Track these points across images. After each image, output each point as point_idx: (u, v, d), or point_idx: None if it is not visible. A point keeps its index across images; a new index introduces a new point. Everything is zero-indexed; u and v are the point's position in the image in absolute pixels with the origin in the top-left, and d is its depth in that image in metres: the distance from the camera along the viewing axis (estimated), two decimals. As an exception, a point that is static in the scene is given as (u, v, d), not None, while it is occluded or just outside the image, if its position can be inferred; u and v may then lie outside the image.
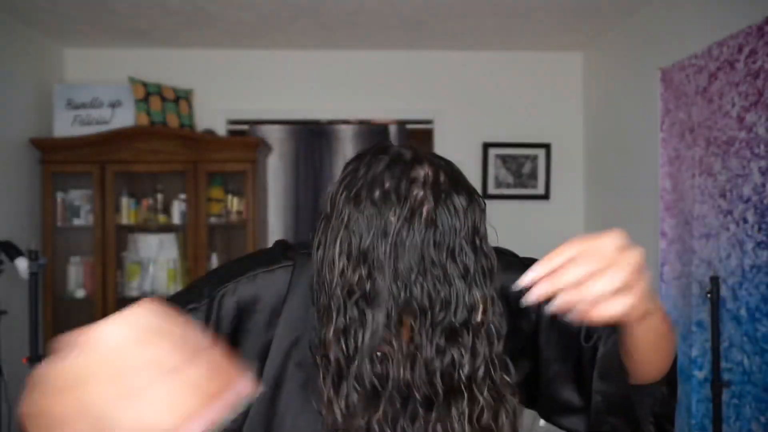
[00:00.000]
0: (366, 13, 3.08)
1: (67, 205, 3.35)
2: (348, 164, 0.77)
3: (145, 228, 3.45)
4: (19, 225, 3.14)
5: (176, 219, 3.40)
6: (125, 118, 3.32)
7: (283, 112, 3.75)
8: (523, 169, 3.79)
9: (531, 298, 0.63)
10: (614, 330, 0.80)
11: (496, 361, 0.74)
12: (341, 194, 0.73)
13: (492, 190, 3.77)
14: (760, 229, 2.13)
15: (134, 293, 3.35)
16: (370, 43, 3.61)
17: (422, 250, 0.69)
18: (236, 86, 3.71)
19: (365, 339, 0.70)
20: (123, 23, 3.20)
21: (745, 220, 2.19)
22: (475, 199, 0.74)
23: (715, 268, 2.23)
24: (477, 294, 0.71)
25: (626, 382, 0.81)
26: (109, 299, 3.25)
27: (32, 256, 2.51)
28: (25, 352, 2.69)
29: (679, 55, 2.64)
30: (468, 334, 0.71)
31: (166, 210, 3.46)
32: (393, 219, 0.69)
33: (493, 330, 0.73)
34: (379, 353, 0.71)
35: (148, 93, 3.34)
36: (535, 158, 3.79)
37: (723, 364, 2.25)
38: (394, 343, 0.71)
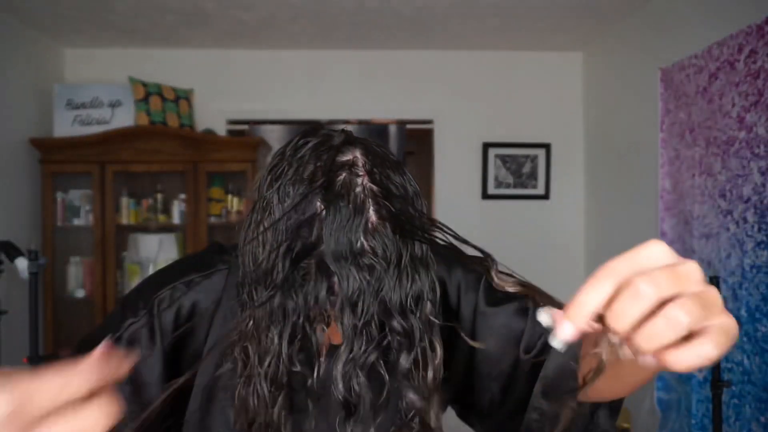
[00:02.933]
0: (366, 13, 3.08)
1: (66, 205, 3.35)
2: (277, 150, 0.72)
3: (145, 228, 3.45)
4: (19, 225, 3.14)
5: (176, 219, 3.40)
6: (125, 118, 3.32)
7: (283, 112, 3.75)
8: (523, 169, 3.79)
9: (563, 338, 0.44)
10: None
11: (428, 360, 0.68)
12: (266, 181, 0.69)
13: (492, 190, 3.77)
14: (760, 229, 2.13)
15: (134, 293, 3.35)
16: (370, 43, 3.61)
17: (350, 239, 0.63)
18: (236, 86, 3.71)
19: (284, 335, 0.64)
20: (123, 23, 3.20)
21: (745, 220, 2.19)
22: (409, 182, 0.69)
23: (715, 268, 2.23)
24: (410, 285, 0.65)
25: (574, 405, 0.67)
26: (109, 299, 3.25)
27: (32, 256, 2.51)
28: (25, 352, 2.68)
29: (679, 55, 2.64)
30: (400, 328, 0.65)
31: (166, 210, 3.46)
32: (318, 205, 0.64)
33: (426, 325, 0.67)
34: (300, 350, 0.66)
35: (148, 93, 3.34)
36: (535, 158, 3.79)
37: (723, 364, 2.26)
38: (318, 340, 0.65)
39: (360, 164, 0.67)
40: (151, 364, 0.74)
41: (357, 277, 0.62)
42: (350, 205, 0.63)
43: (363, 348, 0.63)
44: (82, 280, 3.37)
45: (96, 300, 3.25)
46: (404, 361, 0.65)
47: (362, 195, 0.64)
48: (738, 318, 2.23)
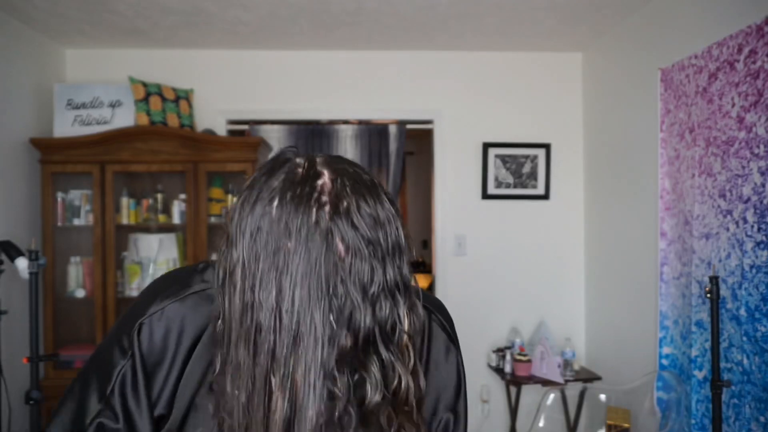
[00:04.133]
0: (366, 13, 3.08)
1: (67, 205, 3.35)
2: (249, 179, 0.71)
3: (145, 228, 3.45)
4: (19, 225, 3.14)
5: (176, 219, 3.40)
6: (125, 118, 3.33)
7: (283, 112, 3.76)
8: (523, 169, 3.79)
9: None
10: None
11: (407, 399, 0.67)
12: (237, 214, 0.68)
13: (492, 190, 3.77)
14: (759, 229, 2.13)
15: (134, 293, 3.35)
16: (370, 43, 3.61)
17: (320, 273, 0.62)
18: (236, 86, 3.71)
19: (255, 379, 0.63)
20: (123, 23, 3.21)
21: (745, 220, 2.19)
22: (382, 205, 0.68)
23: (715, 268, 2.23)
24: (389, 315, 0.64)
25: None
26: (109, 299, 3.25)
27: (32, 256, 2.51)
28: (25, 352, 2.69)
29: (679, 55, 2.64)
30: (375, 363, 0.64)
31: (166, 210, 3.46)
32: (287, 241, 0.63)
33: (403, 358, 0.66)
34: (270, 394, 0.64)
35: (148, 93, 3.35)
36: (535, 158, 3.79)
37: (723, 364, 2.26)
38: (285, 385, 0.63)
39: (327, 191, 0.66)
40: (139, 409, 0.75)
41: (328, 316, 0.62)
42: (321, 236, 0.63)
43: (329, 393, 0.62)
44: (82, 280, 3.37)
45: (96, 300, 3.25)
46: (376, 395, 0.64)
47: (332, 227, 0.63)
48: (738, 318, 2.23)
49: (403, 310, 0.66)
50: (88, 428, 0.74)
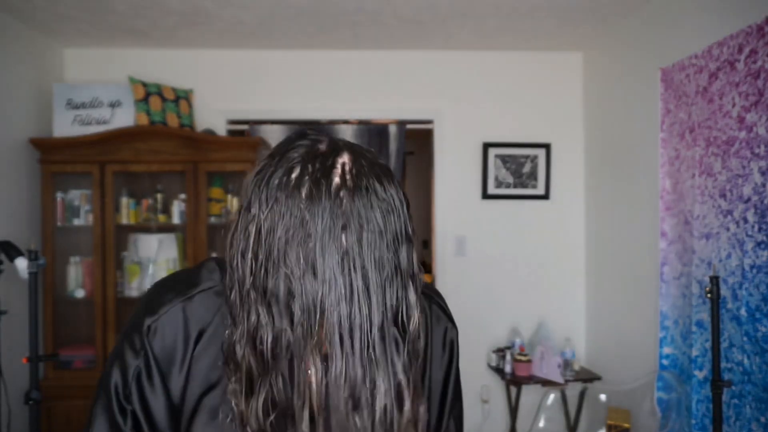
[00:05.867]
0: (366, 13, 3.08)
1: (66, 205, 3.35)
2: (264, 153, 0.71)
3: (145, 228, 3.45)
4: (19, 225, 3.14)
5: (176, 219, 3.40)
6: (125, 118, 3.32)
7: (283, 112, 3.76)
8: (523, 169, 3.79)
9: None
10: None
11: (419, 383, 0.68)
12: (253, 185, 0.68)
13: (492, 190, 3.77)
14: (760, 229, 2.13)
15: (134, 293, 3.35)
16: (370, 43, 3.61)
17: (340, 248, 0.63)
18: (236, 86, 3.71)
19: (276, 345, 0.64)
20: (123, 23, 3.20)
21: (745, 220, 2.19)
22: (397, 190, 0.69)
23: (716, 268, 2.23)
24: (403, 297, 0.66)
25: None
26: (109, 299, 3.25)
27: (32, 256, 2.51)
28: (25, 352, 2.68)
29: (679, 55, 2.64)
30: (391, 345, 0.65)
31: (166, 210, 3.46)
32: (306, 212, 0.64)
33: (417, 343, 0.68)
34: (289, 367, 0.65)
35: (148, 93, 3.34)
36: (535, 158, 3.79)
37: (723, 364, 2.25)
38: (311, 356, 0.64)
39: (347, 169, 0.67)
40: (157, 405, 0.75)
41: (348, 291, 0.63)
42: (341, 212, 0.64)
43: (358, 370, 0.63)
44: (82, 280, 3.37)
45: (96, 300, 3.25)
46: (401, 386, 0.65)
47: (351, 205, 0.64)
48: (738, 318, 2.22)
49: (413, 296, 0.67)
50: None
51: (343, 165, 0.67)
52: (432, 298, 0.88)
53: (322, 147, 0.69)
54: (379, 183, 0.67)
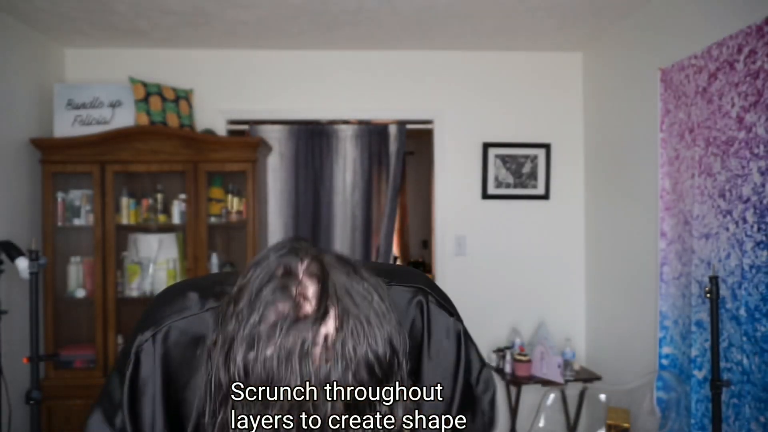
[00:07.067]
0: (366, 13, 3.08)
1: (67, 205, 3.35)
2: (237, 286, 0.63)
3: (145, 228, 3.46)
4: (19, 225, 3.14)
5: (176, 219, 3.40)
6: (125, 118, 3.33)
7: (283, 112, 3.76)
8: (523, 169, 3.80)
9: None
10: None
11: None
12: (230, 318, 0.61)
13: (492, 190, 3.77)
14: (759, 229, 2.13)
15: (134, 293, 3.35)
16: (370, 43, 3.61)
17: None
18: (236, 86, 3.71)
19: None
20: (123, 23, 3.21)
21: (745, 220, 2.19)
22: (394, 341, 0.61)
23: (715, 268, 2.23)
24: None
25: None
26: (109, 299, 3.25)
27: (32, 256, 2.51)
28: (25, 352, 2.69)
29: (679, 55, 2.64)
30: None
31: (166, 210, 3.46)
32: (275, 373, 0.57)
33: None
34: None
35: (148, 93, 3.35)
36: (535, 158, 3.79)
37: (722, 364, 2.26)
38: None
39: (330, 343, 0.58)
40: (152, 412, 0.76)
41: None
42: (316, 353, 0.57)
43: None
44: (82, 280, 3.38)
45: (96, 300, 3.25)
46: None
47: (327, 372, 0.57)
48: (737, 318, 2.23)
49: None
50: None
51: (326, 338, 0.57)
52: (429, 294, 0.85)
53: (302, 302, 0.59)
54: (367, 342, 0.58)
